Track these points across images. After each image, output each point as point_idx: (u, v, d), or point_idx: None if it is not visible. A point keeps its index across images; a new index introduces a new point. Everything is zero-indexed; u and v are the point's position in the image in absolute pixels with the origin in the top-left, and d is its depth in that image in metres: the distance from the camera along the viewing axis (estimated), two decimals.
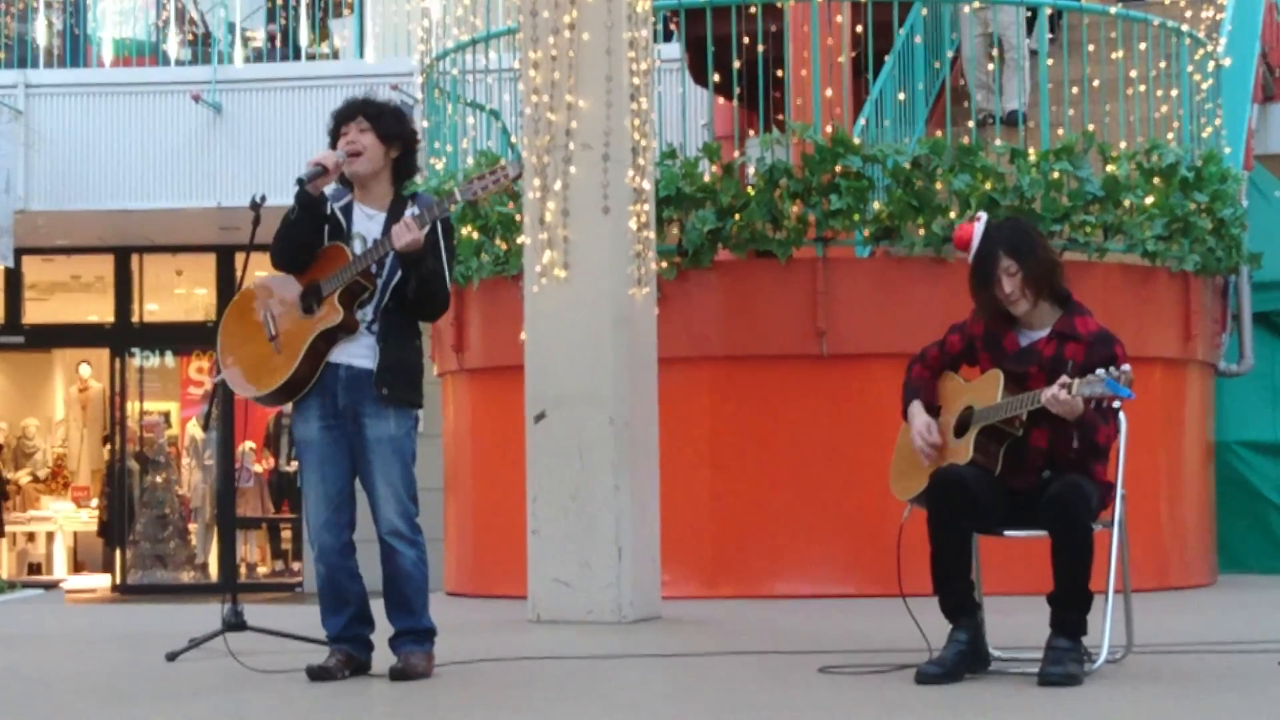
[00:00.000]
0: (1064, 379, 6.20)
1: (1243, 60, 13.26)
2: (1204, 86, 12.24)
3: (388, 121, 6.61)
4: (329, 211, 6.58)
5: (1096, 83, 12.62)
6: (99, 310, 20.34)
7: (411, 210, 6.48)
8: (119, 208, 17.25)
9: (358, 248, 6.50)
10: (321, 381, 6.52)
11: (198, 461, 20.75)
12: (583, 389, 9.19)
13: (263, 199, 6.61)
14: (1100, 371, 6.13)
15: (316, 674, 6.51)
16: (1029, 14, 12.57)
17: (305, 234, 6.55)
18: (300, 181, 6.52)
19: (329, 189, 6.63)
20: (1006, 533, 6.51)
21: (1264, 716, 5.65)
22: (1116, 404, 6.26)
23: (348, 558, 6.61)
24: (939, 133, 11.20)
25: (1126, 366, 6.16)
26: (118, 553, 19.98)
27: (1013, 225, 6.73)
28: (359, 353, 6.52)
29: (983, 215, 6.67)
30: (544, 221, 9.28)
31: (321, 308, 6.48)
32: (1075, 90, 12.03)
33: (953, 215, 10.72)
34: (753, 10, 11.33)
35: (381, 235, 6.46)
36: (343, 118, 6.64)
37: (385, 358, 6.50)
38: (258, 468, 20.58)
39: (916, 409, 6.62)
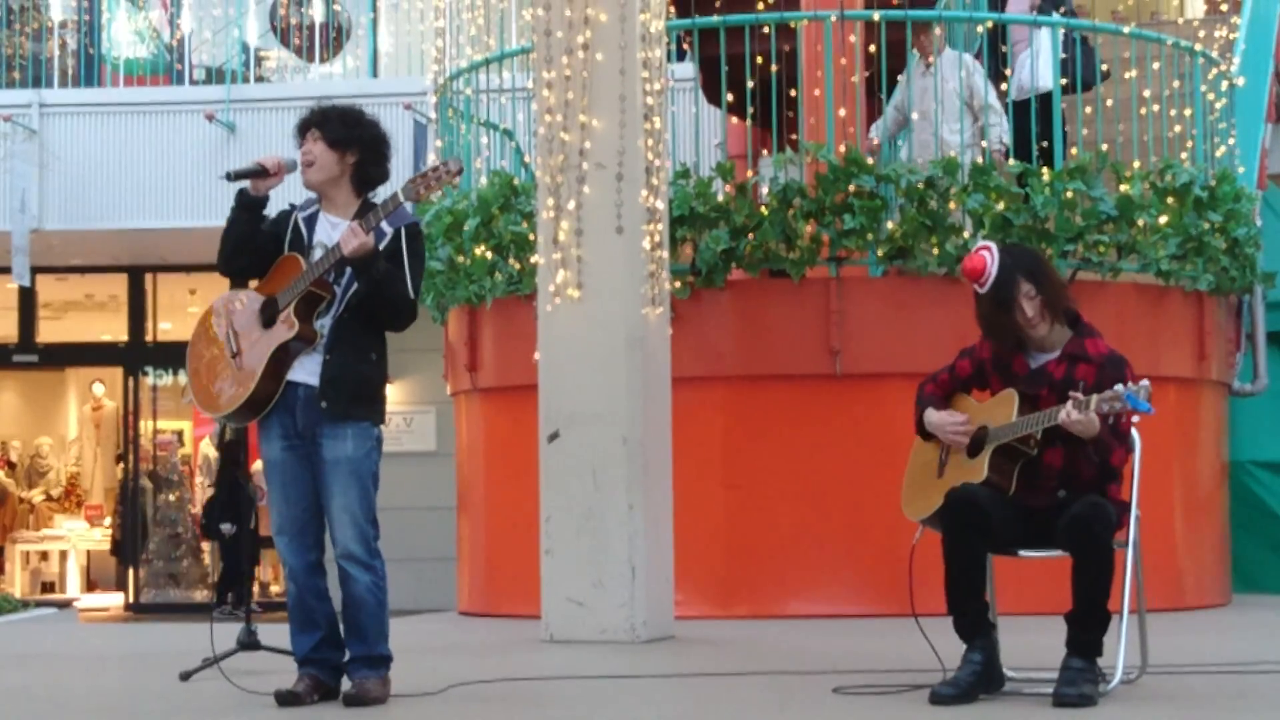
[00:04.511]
0: (1076, 396, 6.18)
1: (1256, 79, 13.26)
2: (1217, 106, 12.24)
3: (334, 127, 6.48)
4: (291, 221, 6.52)
5: (1110, 102, 12.63)
6: (113, 329, 20.37)
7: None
8: (133, 227, 17.26)
9: (319, 256, 6.41)
10: (283, 400, 6.43)
11: (211, 480, 20.76)
12: (596, 408, 9.19)
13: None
14: (1119, 387, 6.13)
15: (285, 699, 6.40)
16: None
17: (242, 234, 6.50)
18: (229, 176, 6.49)
19: (291, 196, 6.57)
20: (1022, 553, 6.50)
21: None
22: (1135, 418, 6.24)
23: (316, 578, 6.52)
24: (952, 152, 11.19)
25: (1146, 381, 6.15)
26: (131, 571, 19.98)
27: (1023, 250, 6.84)
28: (315, 370, 6.41)
29: (991, 244, 6.66)
30: (558, 241, 9.29)
31: (278, 321, 6.40)
32: (1089, 110, 12.02)
33: (966, 235, 10.72)
34: (766, 30, 11.35)
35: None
36: (300, 130, 6.56)
37: (328, 370, 6.39)
38: None
39: (932, 411, 6.62)
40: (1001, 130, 11.53)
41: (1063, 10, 12.47)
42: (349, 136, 6.49)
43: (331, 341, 6.41)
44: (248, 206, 6.52)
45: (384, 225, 6.35)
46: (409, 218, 6.48)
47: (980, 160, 11.19)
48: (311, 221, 6.54)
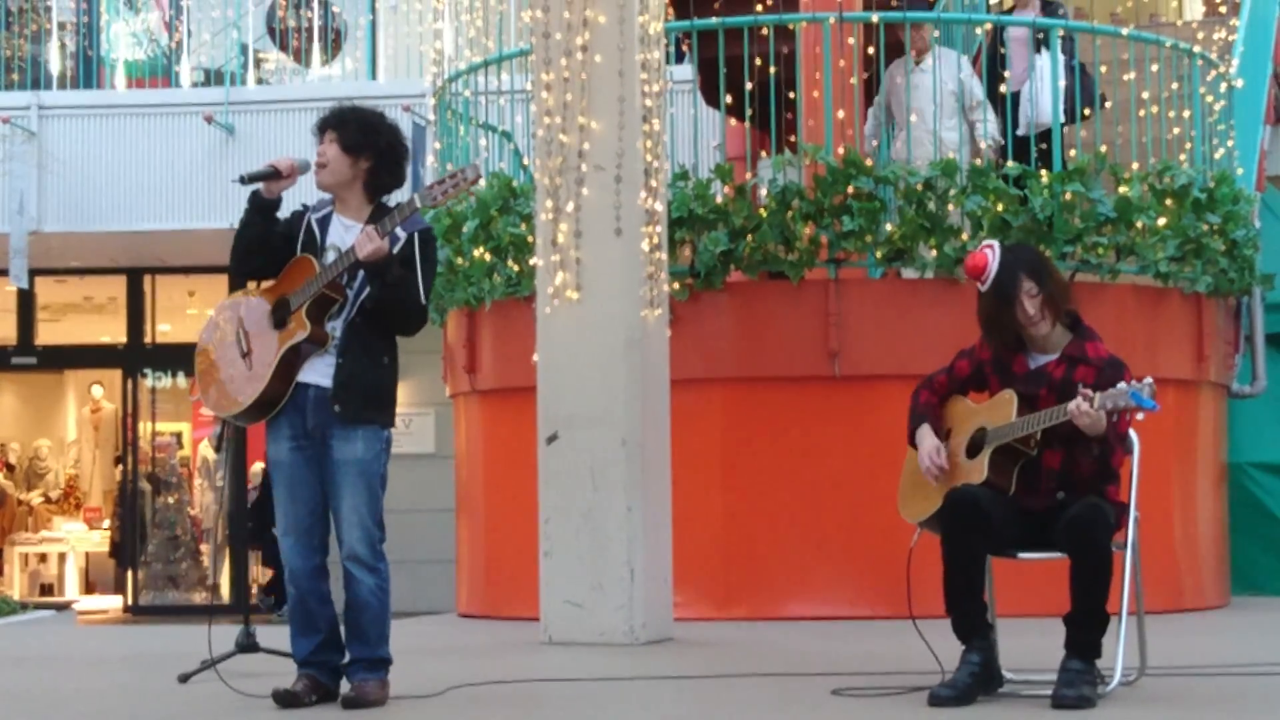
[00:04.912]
0: (1086, 391, 6.19)
1: (1255, 81, 13.26)
2: (1216, 108, 12.24)
3: (350, 132, 6.47)
4: (304, 222, 6.54)
5: (1109, 104, 12.63)
6: (111, 331, 20.38)
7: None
8: (132, 229, 17.28)
9: (331, 258, 6.41)
10: (293, 401, 6.44)
11: (209, 482, 20.77)
12: (595, 410, 9.19)
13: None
14: (1123, 385, 6.13)
15: (283, 699, 6.41)
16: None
17: (256, 236, 6.50)
18: (242, 179, 6.49)
19: (303, 197, 6.57)
20: (1021, 555, 6.50)
21: None
22: (1140, 416, 6.26)
23: (318, 581, 6.51)
24: (951, 154, 11.19)
25: (1149, 379, 6.16)
26: (129, 574, 19.99)
27: (1026, 249, 6.85)
28: (326, 372, 6.42)
29: (994, 243, 6.68)
30: (556, 243, 9.29)
31: (290, 322, 6.41)
32: (1088, 112, 12.01)
33: (964, 237, 10.72)
34: (765, 32, 11.34)
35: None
36: (318, 129, 6.56)
37: (340, 374, 6.39)
38: None
39: (925, 432, 6.62)
40: (994, 126, 11.53)
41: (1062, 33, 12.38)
42: (363, 142, 6.49)
43: (344, 345, 6.42)
44: (261, 209, 6.52)
45: (397, 230, 6.36)
46: (422, 223, 6.49)
47: (980, 161, 11.19)
48: (325, 223, 6.55)
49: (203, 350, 6.65)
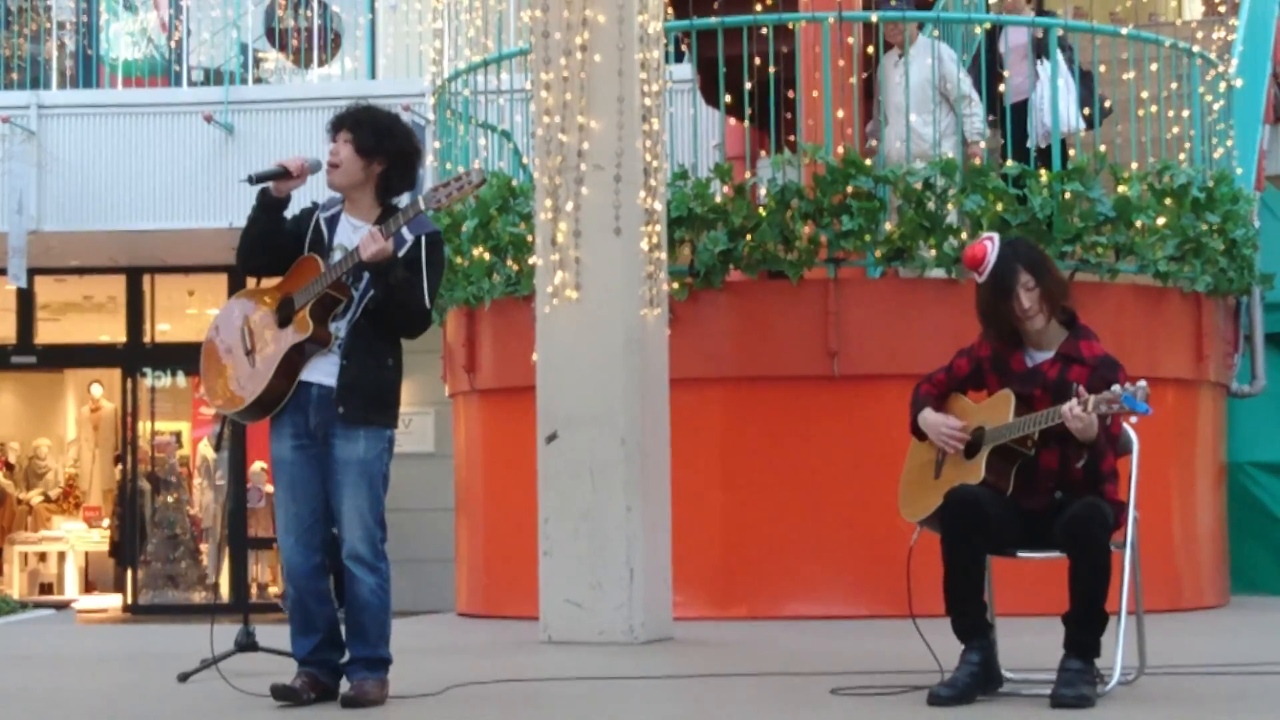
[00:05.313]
0: (1081, 394, 6.19)
1: (1254, 81, 13.26)
2: (1215, 107, 12.24)
3: (365, 134, 6.46)
4: (313, 221, 6.54)
5: (1108, 104, 12.62)
6: (111, 330, 20.37)
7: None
8: (131, 228, 17.27)
9: (338, 258, 6.41)
10: (296, 400, 6.44)
11: (209, 482, 20.76)
12: (594, 410, 9.19)
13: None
14: (1116, 388, 6.14)
15: (281, 693, 6.42)
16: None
17: (261, 233, 6.51)
18: (250, 179, 6.49)
19: (313, 195, 6.57)
20: (1020, 554, 6.51)
21: None
22: (1134, 419, 6.26)
23: (318, 580, 6.51)
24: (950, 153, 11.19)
25: (1143, 382, 6.16)
26: (129, 573, 19.99)
27: (1026, 243, 6.82)
28: (330, 371, 6.43)
29: (994, 235, 6.69)
30: (556, 242, 9.29)
31: (293, 322, 6.41)
32: (1086, 111, 12.01)
33: (964, 236, 10.72)
34: (764, 31, 11.34)
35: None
36: (331, 128, 6.56)
37: (345, 375, 6.40)
38: (269, 488, 20.59)
39: (929, 412, 6.63)
40: (978, 121, 11.47)
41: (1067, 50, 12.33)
42: (377, 146, 6.48)
43: (349, 346, 6.42)
44: (268, 206, 6.52)
45: (405, 232, 6.37)
46: (429, 226, 6.49)
47: (979, 161, 11.17)
48: (333, 223, 6.55)
49: (208, 347, 6.67)
